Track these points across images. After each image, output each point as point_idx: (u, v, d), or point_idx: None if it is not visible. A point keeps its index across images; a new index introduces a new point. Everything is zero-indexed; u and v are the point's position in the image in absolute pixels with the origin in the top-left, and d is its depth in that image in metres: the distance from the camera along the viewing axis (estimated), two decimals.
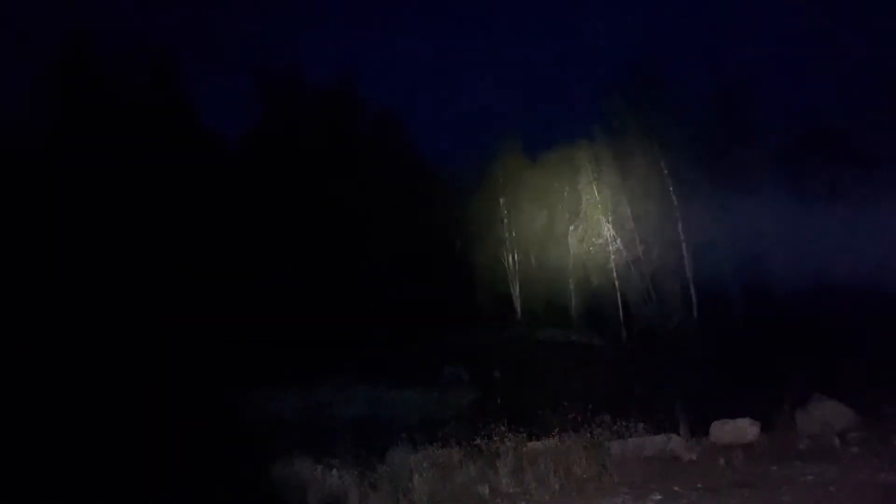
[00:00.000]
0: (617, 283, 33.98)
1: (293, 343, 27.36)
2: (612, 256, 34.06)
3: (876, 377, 12.25)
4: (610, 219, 34.28)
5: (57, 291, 24.66)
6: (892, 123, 33.21)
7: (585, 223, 35.58)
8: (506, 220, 40.68)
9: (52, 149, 28.57)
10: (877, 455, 8.65)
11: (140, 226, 26.82)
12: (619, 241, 33.85)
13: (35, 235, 25.26)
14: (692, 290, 31.36)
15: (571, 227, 36.20)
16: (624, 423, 10.59)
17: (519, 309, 40.79)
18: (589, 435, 10.30)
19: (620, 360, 27.56)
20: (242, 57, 61.56)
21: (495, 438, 10.28)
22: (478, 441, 10.40)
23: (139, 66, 30.60)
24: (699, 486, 8.25)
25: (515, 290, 40.99)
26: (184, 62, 32.50)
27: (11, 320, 23.20)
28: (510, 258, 41.34)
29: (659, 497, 8.03)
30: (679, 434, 10.38)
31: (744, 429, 10.34)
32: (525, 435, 10.57)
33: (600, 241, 34.54)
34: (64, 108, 28.80)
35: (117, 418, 18.36)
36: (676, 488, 8.22)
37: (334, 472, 9.91)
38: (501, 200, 40.65)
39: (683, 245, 31.58)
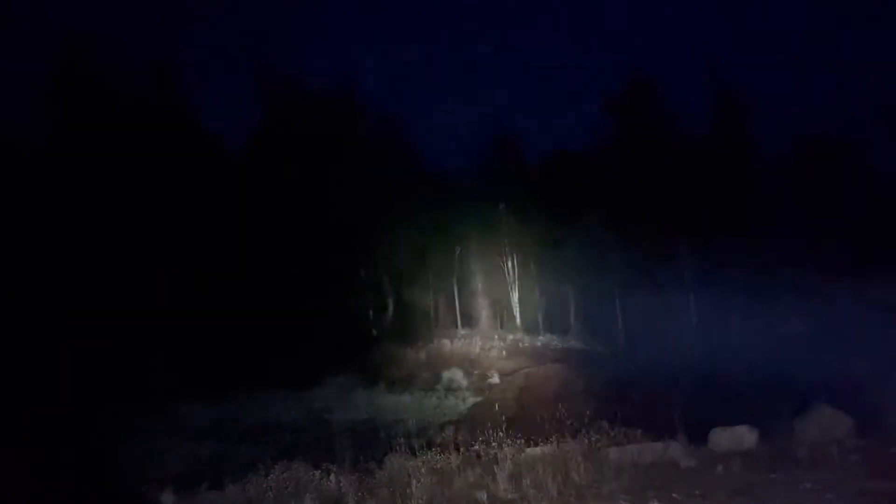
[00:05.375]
0: None
1: (294, 344, 27.41)
2: None
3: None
4: None
5: (58, 290, 24.66)
6: None
7: None
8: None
9: (53, 150, 28.59)
10: (875, 463, 8.64)
11: (140, 227, 26.82)
12: None
13: (35, 236, 25.26)
14: None
15: None
16: (622, 430, 10.59)
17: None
18: (587, 441, 10.29)
19: None
20: (244, 61, 61.71)
21: (493, 444, 10.27)
22: (476, 447, 10.40)
23: (141, 70, 30.65)
24: (697, 492, 8.23)
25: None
26: (186, 66, 32.52)
27: (13, 321, 23.24)
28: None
29: None
30: (678, 441, 10.36)
31: (742, 436, 10.33)
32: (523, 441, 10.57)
33: None
34: (65, 111, 28.80)
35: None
36: (675, 495, 8.19)
37: (332, 476, 9.90)
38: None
39: None
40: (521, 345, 34.61)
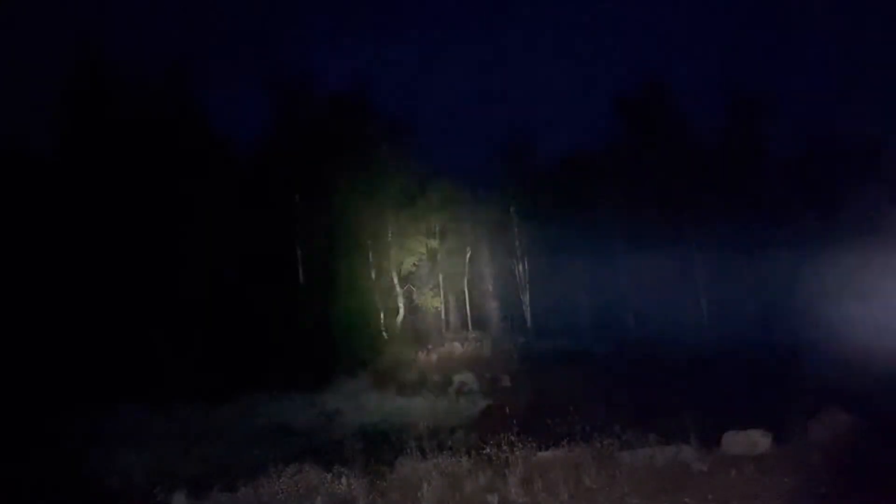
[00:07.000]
0: None
1: (304, 347, 27.48)
2: None
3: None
4: None
5: (67, 296, 24.82)
6: None
7: None
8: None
9: (64, 155, 28.78)
10: (888, 467, 8.57)
11: (150, 231, 26.95)
12: None
13: (45, 241, 25.43)
14: None
15: None
16: (634, 433, 10.52)
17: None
18: (599, 445, 10.24)
19: None
20: (254, 65, 61.99)
21: (505, 448, 10.22)
22: (487, 450, 10.35)
23: (151, 74, 30.77)
24: (710, 497, 8.19)
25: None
26: (196, 70, 32.66)
27: (20, 324, 23.40)
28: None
29: None
30: (690, 444, 10.30)
31: (756, 440, 10.26)
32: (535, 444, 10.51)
33: None
34: (76, 116, 28.95)
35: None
36: (687, 499, 8.16)
37: (343, 479, 9.89)
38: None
39: None
40: (531, 347, 34.54)
